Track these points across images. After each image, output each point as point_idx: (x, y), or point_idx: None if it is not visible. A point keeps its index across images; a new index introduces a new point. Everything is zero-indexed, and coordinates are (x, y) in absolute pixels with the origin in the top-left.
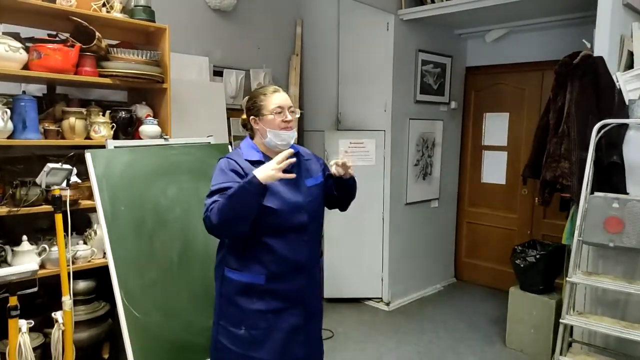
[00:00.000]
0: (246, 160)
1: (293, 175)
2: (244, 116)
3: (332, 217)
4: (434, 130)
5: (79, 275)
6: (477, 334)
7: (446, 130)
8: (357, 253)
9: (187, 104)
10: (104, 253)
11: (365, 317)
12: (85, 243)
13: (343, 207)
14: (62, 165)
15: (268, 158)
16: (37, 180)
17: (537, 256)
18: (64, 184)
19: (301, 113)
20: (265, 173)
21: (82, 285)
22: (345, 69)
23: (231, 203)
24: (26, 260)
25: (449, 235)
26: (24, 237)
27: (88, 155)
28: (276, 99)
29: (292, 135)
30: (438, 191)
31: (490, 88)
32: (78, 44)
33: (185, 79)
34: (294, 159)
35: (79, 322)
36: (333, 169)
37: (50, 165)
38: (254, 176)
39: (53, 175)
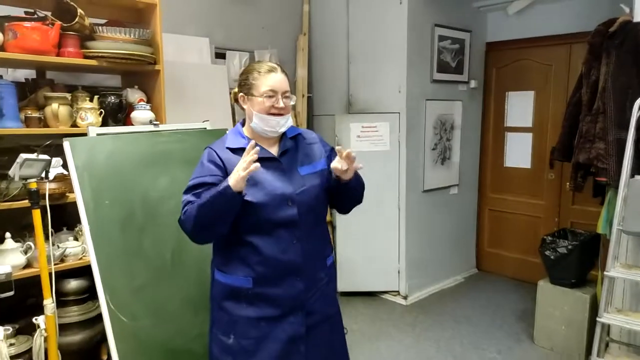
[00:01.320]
0: (227, 148)
1: (257, 166)
2: (236, 90)
3: None
4: (452, 111)
5: (71, 273)
6: (502, 329)
7: (466, 111)
8: (372, 244)
9: (187, 89)
10: None
11: (381, 312)
12: (76, 239)
13: (342, 210)
14: (37, 156)
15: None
16: (10, 172)
17: (569, 247)
18: (48, 176)
19: (309, 96)
20: (235, 177)
21: (74, 284)
22: (356, 48)
23: (205, 211)
24: (10, 259)
25: (470, 224)
26: (7, 235)
27: (66, 144)
28: (270, 80)
29: (284, 123)
30: (458, 177)
31: (513, 65)
32: (58, 22)
33: (184, 61)
34: (257, 149)
35: (71, 323)
36: (334, 162)
37: (24, 155)
38: (228, 186)
39: (28, 167)
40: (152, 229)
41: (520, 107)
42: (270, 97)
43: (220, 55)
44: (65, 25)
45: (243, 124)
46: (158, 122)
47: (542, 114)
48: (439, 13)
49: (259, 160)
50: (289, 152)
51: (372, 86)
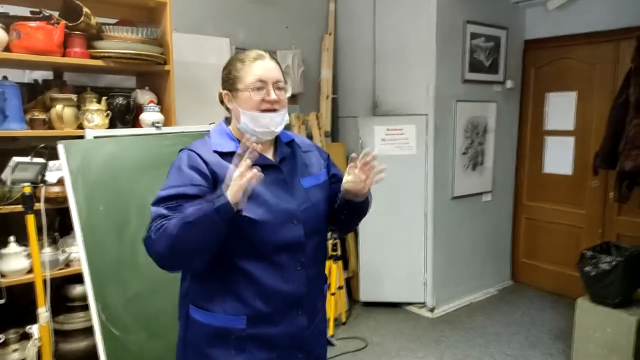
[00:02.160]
0: (215, 152)
1: (261, 175)
2: (221, 89)
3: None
4: (486, 113)
5: (77, 279)
6: (536, 349)
7: (501, 113)
8: (397, 252)
9: (205, 90)
10: None
11: (404, 325)
12: None
13: (339, 231)
14: (31, 159)
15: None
16: (3, 176)
17: (613, 263)
18: (44, 180)
19: (334, 98)
20: (233, 189)
21: (79, 289)
22: (383, 47)
23: (188, 232)
24: (14, 263)
25: (504, 233)
26: (11, 238)
27: (60, 147)
28: (257, 68)
29: (279, 120)
30: (491, 183)
31: (554, 63)
32: (63, 22)
33: (202, 62)
34: (258, 146)
35: (76, 330)
36: (347, 180)
37: (16, 159)
38: (226, 200)
39: (22, 171)
40: None
41: (561, 109)
42: (259, 89)
43: None
44: (70, 24)
45: (227, 122)
46: (160, 125)
47: (585, 116)
48: (472, 9)
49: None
50: (287, 160)
51: (399, 87)
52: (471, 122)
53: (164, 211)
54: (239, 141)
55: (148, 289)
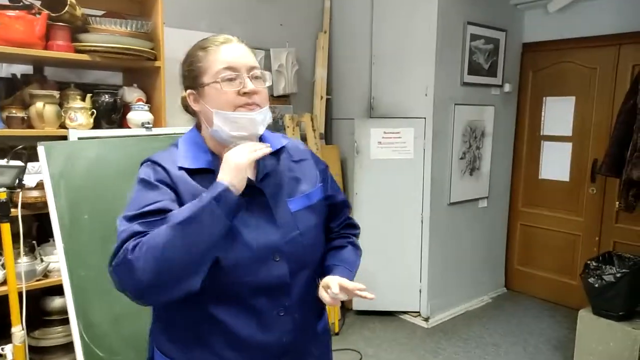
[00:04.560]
0: (181, 168)
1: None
2: (183, 91)
3: (362, 216)
4: (483, 117)
5: (56, 290)
6: None
7: (498, 117)
8: (392, 259)
9: None
10: None
11: (399, 334)
12: None
13: None
14: (8, 162)
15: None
16: None
17: (617, 274)
18: (22, 185)
19: (329, 99)
20: (237, 166)
21: (58, 302)
22: (380, 47)
23: (181, 237)
24: None
25: (499, 240)
26: None
27: (41, 149)
28: (225, 54)
29: (261, 120)
30: (487, 189)
31: (553, 67)
32: (45, 12)
33: None
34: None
35: (55, 346)
36: (325, 294)
37: None
38: (227, 187)
39: None
40: None
41: (559, 114)
42: (230, 79)
43: None
44: (53, 15)
45: (198, 128)
46: (151, 125)
47: (583, 121)
48: (472, 10)
49: None
50: (270, 176)
51: (397, 89)
52: (469, 126)
53: (138, 228)
54: (212, 154)
55: (136, 307)
